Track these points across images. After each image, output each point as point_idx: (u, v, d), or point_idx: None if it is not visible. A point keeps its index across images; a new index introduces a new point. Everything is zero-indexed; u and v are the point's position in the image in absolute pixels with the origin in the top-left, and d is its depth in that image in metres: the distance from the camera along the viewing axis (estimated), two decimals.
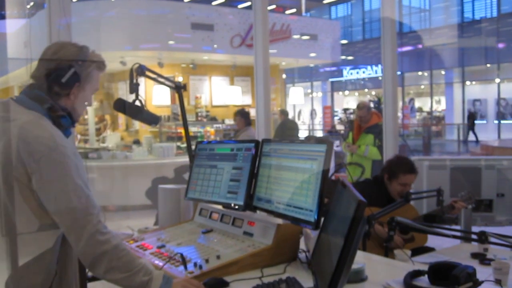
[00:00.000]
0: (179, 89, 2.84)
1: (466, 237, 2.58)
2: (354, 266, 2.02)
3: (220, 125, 12.78)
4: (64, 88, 1.91)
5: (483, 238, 2.45)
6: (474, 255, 3.21)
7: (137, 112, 2.56)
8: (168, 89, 12.47)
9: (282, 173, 2.23)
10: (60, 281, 1.92)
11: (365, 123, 6.08)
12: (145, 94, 12.90)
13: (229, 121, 13.07)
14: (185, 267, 2.08)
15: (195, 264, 2.10)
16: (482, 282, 1.81)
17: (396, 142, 4.33)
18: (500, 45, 23.40)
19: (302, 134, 24.86)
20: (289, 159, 2.21)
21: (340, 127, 24.89)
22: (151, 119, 2.62)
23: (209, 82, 13.72)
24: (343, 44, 25.45)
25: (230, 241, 2.35)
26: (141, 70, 2.60)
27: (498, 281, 2.64)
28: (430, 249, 3.50)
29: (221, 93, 13.57)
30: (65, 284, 1.95)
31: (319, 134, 25.14)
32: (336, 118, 29.26)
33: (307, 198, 2.02)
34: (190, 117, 13.12)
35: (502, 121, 24.21)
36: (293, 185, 2.14)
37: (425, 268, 1.95)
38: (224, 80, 13.85)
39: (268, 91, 3.65)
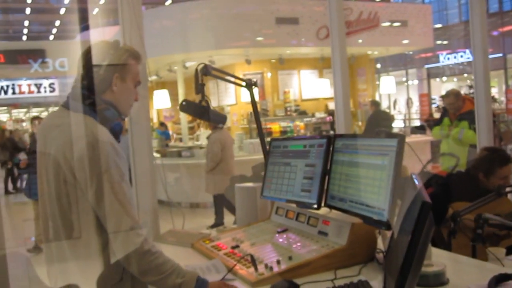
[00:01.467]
0: (249, 86, 2.80)
1: None
2: (434, 268, 1.88)
3: (310, 119, 12.67)
4: (103, 81, 1.92)
5: None
6: None
7: (204, 112, 2.55)
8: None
9: (354, 169, 2.13)
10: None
11: (457, 110, 5.76)
12: (235, 91, 13.11)
13: (320, 115, 12.94)
14: (256, 268, 2.04)
15: (265, 266, 2.05)
16: None
17: (490, 129, 4.03)
18: None
19: (398, 124, 24.16)
20: (361, 155, 2.10)
21: (438, 115, 23.86)
22: (218, 118, 2.61)
23: (298, 76, 13.66)
24: (437, 29, 24.36)
25: (305, 241, 2.28)
26: (207, 70, 2.58)
27: None
28: None
29: (310, 87, 13.45)
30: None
31: (416, 123, 24.25)
32: (433, 106, 28.10)
33: (379, 196, 1.90)
34: (280, 112, 13.13)
35: None
36: (365, 182, 2.03)
37: None
38: (313, 73, 13.74)
39: (346, 83, 3.52)
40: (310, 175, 2.42)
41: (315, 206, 2.34)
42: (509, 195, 3.37)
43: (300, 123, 12.28)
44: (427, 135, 11.53)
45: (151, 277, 1.80)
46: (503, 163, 3.25)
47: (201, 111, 2.56)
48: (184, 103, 2.64)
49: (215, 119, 2.63)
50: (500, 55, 25.67)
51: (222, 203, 7.29)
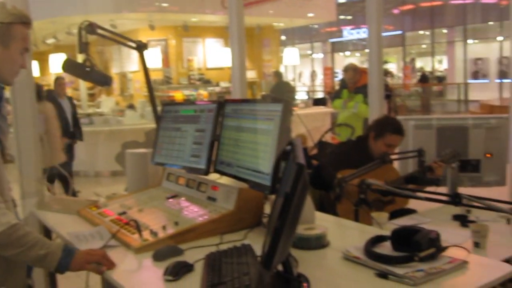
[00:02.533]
0: (140, 49, 2.70)
1: (439, 200, 2.47)
2: (315, 231, 1.93)
3: (214, 88, 12.62)
4: None
5: (457, 200, 2.34)
6: (456, 217, 3.12)
7: (87, 73, 2.42)
8: (159, 51, 12.32)
9: (242, 134, 2.12)
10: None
11: (354, 84, 5.99)
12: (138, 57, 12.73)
13: (224, 84, 12.92)
14: (140, 234, 1.99)
15: (151, 231, 2.01)
16: (447, 247, 1.71)
17: (382, 103, 4.18)
18: (503, 2, 22.89)
19: (302, 96, 24.67)
20: (248, 120, 2.09)
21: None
22: (102, 79, 2.49)
23: (203, 44, 13.50)
24: (342, 4, 24.96)
25: (193, 207, 2.26)
26: (92, 28, 2.45)
27: (476, 244, 2.56)
28: (411, 211, 3.41)
29: (215, 55, 13.36)
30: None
31: (320, 95, 24.92)
32: (336, 80, 28.96)
33: (264, 161, 1.91)
34: (183, 80, 12.97)
35: (504, 80, 23.89)
36: (251, 147, 2.03)
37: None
38: (218, 42, 13.63)
39: (243, 52, 3.50)
40: (199, 140, 2.39)
41: (204, 171, 2.32)
42: (395, 164, 3.55)
43: (204, 92, 12.22)
44: (328, 107, 11.87)
45: (11, 250, 1.71)
46: (395, 131, 3.38)
47: (85, 71, 2.43)
48: (66, 62, 2.49)
49: (99, 80, 2.51)
50: (400, 32, 26.83)
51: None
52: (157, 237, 1.97)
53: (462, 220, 3.05)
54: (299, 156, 1.33)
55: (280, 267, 1.46)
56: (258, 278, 1.29)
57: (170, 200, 2.41)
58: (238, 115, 2.19)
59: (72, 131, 7.05)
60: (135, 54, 12.88)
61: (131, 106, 11.36)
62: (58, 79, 7.27)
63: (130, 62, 13.33)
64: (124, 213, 2.32)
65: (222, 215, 2.10)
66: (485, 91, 23.04)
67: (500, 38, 23.97)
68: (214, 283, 1.51)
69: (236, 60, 3.46)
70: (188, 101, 9.54)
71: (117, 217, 2.28)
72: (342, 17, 26.02)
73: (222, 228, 2.08)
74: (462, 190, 2.99)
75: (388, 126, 3.38)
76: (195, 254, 1.83)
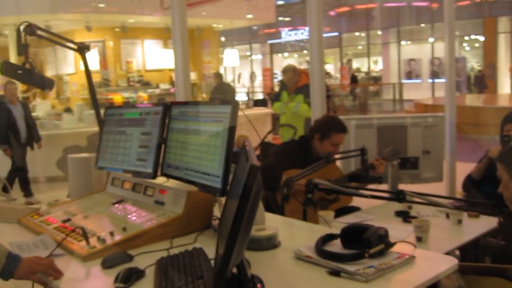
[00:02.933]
0: (82, 50, 2.62)
1: (384, 197, 2.54)
2: (266, 232, 1.94)
3: (154, 90, 12.46)
4: None
5: (401, 197, 2.41)
6: (398, 213, 3.22)
7: (27, 75, 2.33)
8: (96, 53, 12.03)
9: (190, 137, 2.10)
10: None
11: (294, 84, 6.04)
12: (74, 59, 12.39)
13: (164, 86, 12.77)
14: (87, 241, 1.93)
15: (98, 238, 1.96)
16: (395, 243, 1.75)
17: (324, 103, 4.25)
18: (434, 5, 23.78)
19: (242, 97, 24.73)
20: (196, 122, 2.08)
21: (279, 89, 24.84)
22: (44, 82, 2.40)
23: (142, 45, 13.30)
24: (280, 5, 25.21)
25: (141, 211, 2.22)
26: (31, 30, 2.35)
27: (418, 239, 2.64)
28: (356, 209, 3.48)
29: (154, 57, 13.19)
30: None
31: (259, 96, 25.07)
32: (275, 80, 29.22)
33: (213, 163, 1.90)
34: (122, 83, 12.73)
35: (435, 80, 24.83)
36: (200, 149, 2.02)
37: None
38: (157, 43, 13.46)
39: (186, 54, 3.47)
40: (146, 143, 2.35)
41: (151, 175, 2.28)
42: (337, 163, 3.61)
43: (143, 94, 12.03)
44: (268, 108, 11.96)
45: None
46: (340, 130, 3.44)
47: (25, 74, 2.33)
48: (3, 64, 2.39)
49: (40, 83, 2.42)
50: (336, 34, 27.38)
51: None
52: (105, 244, 1.92)
53: (404, 216, 3.14)
54: (252, 158, 1.33)
55: (234, 269, 1.46)
56: (215, 282, 1.28)
57: (116, 205, 2.35)
58: (185, 117, 2.16)
59: (24, 142, 6.81)
60: (71, 56, 12.64)
61: (68, 110, 11.03)
62: (8, 84, 6.94)
63: (66, 64, 12.95)
64: (68, 220, 2.25)
65: (171, 219, 2.07)
66: (418, 91, 23.87)
67: (431, 39, 24.88)
68: None
69: (180, 62, 3.42)
70: (132, 104, 9.38)
71: (61, 225, 2.21)
72: (280, 18, 26.28)
73: (171, 232, 2.06)
74: (402, 186, 3.09)
75: (333, 126, 3.44)
76: (146, 259, 1.80)
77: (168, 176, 2.24)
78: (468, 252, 3.10)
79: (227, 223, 1.46)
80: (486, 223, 2.90)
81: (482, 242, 2.82)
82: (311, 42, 4.23)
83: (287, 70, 6.17)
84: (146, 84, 12.88)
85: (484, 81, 22.57)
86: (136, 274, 1.65)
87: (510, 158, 2.05)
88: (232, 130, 1.82)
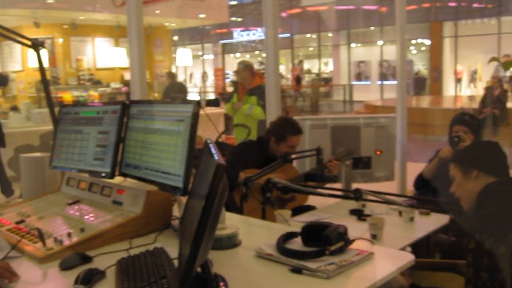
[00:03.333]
0: (36, 47, 2.56)
1: (341, 196, 2.59)
2: (227, 231, 1.94)
3: (105, 89, 12.24)
4: None
5: (357, 195, 2.47)
6: (353, 212, 3.28)
7: None
8: (45, 50, 11.71)
9: (150, 136, 2.08)
10: None
11: (248, 83, 5.99)
12: (21, 56, 12.02)
13: (115, 85, 12.56)
14: (44, 243, 1.89)
15: (55, 239, 1.91)
16: (353, 240, 1.79)
17: (279, 104, 4.29)
18: (383, 9, 24.33)
19: (193, 97, 24.61)
20: (157, 121, 2.06)
21: (231, 89, 24.89)
22: None
23: (92, 43, 13.03)
24: (232, 6, 25.22)
25: (98, 212, 2.18)
26: None
27: (373, 236, 2.71)
28: (311, 208, 3.53)
29: (105, 55, 12.95)
30: None
31: (211, 96, 25.02)
32: (227, 81, 29.22)
33: (174, 162, 1.89)
34: (72, 81, 12.45)
35: (384, 82, 25.42)
36: (160, 148, 2.00)
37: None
38: (108, 42, 13.22)
39: (142, 53, 3.43)
40: (103, 142, 2.31)
41: (109, 174, 2.24)
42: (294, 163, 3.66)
43: (94, 93, 11.80)
44: (220, 108, 11.93)
45: None
46: (295, 133, 3.48)
47: None
48: None
49: None
50: (288, 35, 27.64)
51: None
52: (62, 245, 1.88)
53: (359, 214, 3.21)
54: (218, 157, 1.33)
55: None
56: (181, 281, 1.28)
57: (72, 206, 2.31)
58: (145, 116, 2.14)
59: None
60: (18, 53, 12.25)
61: (15, 108, 10.68)
62: None
63: (12, 61, 12.54)
64: (22, 221, 2.18)
65: (130, 219, 2.05)
66: (367, 92, 24.41)
67: (380, 42, 25.46)
68: None
69: (135, 60, 3.38)
70: (89, 103, 9.15)
71: (15, 226, 2.14)
72: (233, 19, 26.30)
73: (130, 233, 2.03)
74: (355, 185, 3.16)
75: (288, 129, 3.48)
76: (105, 260, 1.77)
77: (127, 175, 2.21)
78: (420, 249, 3.20)
79: (190, 222, 1.46)
80: (436, 220, 3.00)
81: (433, 239, 2.91)
82: (267, 43, 4.26)
83: (245, 67, 6.05)
84: (96, 83, 12.63)
85: (423, 84, 23.34)
86: (96, 275, 1.62)
87: (463, 158, 2.13)
88: (193, 129, 1.82)
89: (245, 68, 6.03)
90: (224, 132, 7.28)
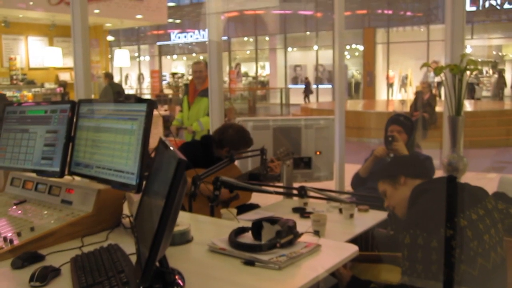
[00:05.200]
0: None
1: (287, 193, 2.69)
2: (179, 228, 1.99)
3: (39, 89, 11.89)
4: None
5: (302, 192, 2.57)
6: (295, 210, 3.39)
7: None
8: None
9: (102, 135, 2.10)
10: None
11: (200, 86, 5.89)
12: None
13: (50, 85, 12.23)
14: None
15: (4, 239, 1.90)
16: (302, 234, 1.89)
17: (222, 107, 4.36)
18: (319, 14, 24.88)
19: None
20: (109, 120, 2.08)
21: (168, 91, 24.75)
22: None
23: (25, 42, 12.63)
24: (170, 7, 25.04)
25: (47, 211, 2.17)
26: None
27: (316, 232, 2.82)
28: (255, 206, 3.62)
29: (39, 55, 12.57)
30: None
31: (148, 98, 24.75)
32: (164, 83, 28.99)
33: (127, 161, 1.92)
34: (5, 81, 12.02)
35: (320, 86, 26.00)
36: (113, 147, 2.02)
37: (249, 224, 1.99)
38: (43, 41, 12.85)
39: (87, 51, 3.41)
40: (52, 142, 2.30)
41: (58, 174, 2.24)
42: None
43: (28, 93, 11.43)
44: (159, 110, 11.89)
45: None
46: (249, 145, 3.57)
47: None
48: None
49: None
50: (225, 38, 27.72)
51: None
52: (13, 244, 1.87)
53: (301, 212, 3.32)
54: (178, 153, 1.38)
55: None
56: (142, 275, 1.33)
57: (18, 206, 2.28)
58: (96, 115, 2.16)
59: None
60: None
61: None
62: None
63: None
64: None
65: (81, 217, 2.06)
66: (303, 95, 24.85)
67: (316, 47, 26.02)
68: (89, 284, 1.50)
69: (80, 60, 3.35)
70: (37, 102, 8.85)
71: None
72: (170, 20, 26.12)
73: (81, 231, 2.04)
74: (296, 185, 3.28)
75: (245, 144, 3.55)
76: (58, 258, 1.78)
77: (77, 174, 2.21)
78: (359, 244, 3.35)
79: (148, 220, 1.51)
80: (374, 216, 3.15)
81: (373, 233, 3.06)
82: (210, 45, 4.32)
83: (205, 66, 5.75)
84: (30, 83, 12.25)
85: (357, 88, 24.13)
86: (52, 272, 1.64)
87: (388, 171, 2.31)
88: (148, 127, 1.86)
89: (205, 67, 5.76)
90: (167, 135, 7.24)
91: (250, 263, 1.70)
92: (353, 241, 3.07)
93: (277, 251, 1.76)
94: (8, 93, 11.19)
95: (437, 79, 12.76)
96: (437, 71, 3.37)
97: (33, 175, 2.39)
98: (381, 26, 24.17)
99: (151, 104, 1.87)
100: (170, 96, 21.38)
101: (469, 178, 4.05)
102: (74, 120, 2.26)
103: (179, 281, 1.54)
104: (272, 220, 1.89)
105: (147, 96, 26.11)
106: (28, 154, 2.38)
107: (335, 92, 4.87)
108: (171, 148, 1.47)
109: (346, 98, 23.36)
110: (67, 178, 2.29)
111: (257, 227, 1.92)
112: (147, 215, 1.56)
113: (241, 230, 1.95)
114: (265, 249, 1.75)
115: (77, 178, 2.27)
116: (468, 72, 3.24)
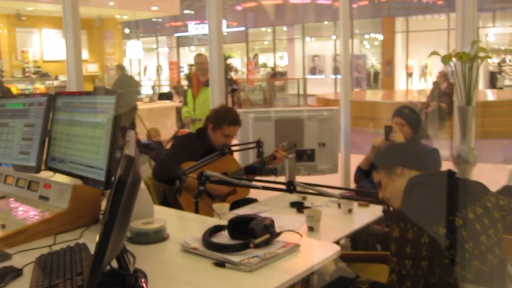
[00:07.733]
0: None
1: (274, 188, 2.58)
2: (154, 225, 1.91)
3: (52, 82, 11.92)
4: None
5: (291, 187, 2.47)
6: (293, 204, 3.29)
7: None
8: None
9: (74, 129, 2.02)
10: None
11: (204, 75, 5.91)
12: None
13: (64, 77, 12.24)
14: None
15: None
16: (281, 233, 1.78)
17: (223, 96, 4.26)
18: (337, 4, 24.54)
19: (147, 90, 24.33)
20: (80, 113, 2.00)
21: (185, 83, 24.73)
22: None
23: (39, 35, 12.66)
24: None
25: (24, 207, 2.11)
26: None
27: (310, 228, 2.72)
28: (253, 201, 3.52)
29: (53, 47, 12.60)
30: None
31: (166, 89, 24.76)
32: (182, 74, 28.96)
33: (97, 156, 1.84)
34: (18, 73, 12.08)
35: (338, 76, 25.71)
36: (84, 141, 1.94)
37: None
38: (57, 33, 12.87)
39: (78, 43, 3.34)
40: (29, 136, 2.23)
41: (35, 169, 2.17)
42: (236, 156, 3.64)
43: (40, 86, 11.47)
44: (173, 102, 11.85)
45: None
46: (232, 123, 3.46)
47: None
48: None
49: None
50: (243, 29, 27.59)
51: None
52: None
53: (299, 207, 3.22)
54: (130, 149, 1.29)
55: (115, 264, 1.42)
56: (90, 276, 1.24)
57: None
58: (70, 108, 2.08)
59: None
60: None
61: None
62: None
63: None
64: None
65: (55, 214, 1.99)
66: (321, 86, 24.62)
67: (334, 37, 25.72)
68: (44, 287, 1.42)
69: (71, 51, 3.28)
70: (15, 95, 8.88)
71: None
72: (187, 11, 26.08)
73: (55, 228, 1.97)
74: (299, 178, 3.16)
75: (226, 118, 3.45)
76: (25, 257, 1.71)
77: (53, 170, 2.14)
78: (358, 241, 3.24)
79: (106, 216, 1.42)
80: (374, 212, 3.03)
81: (368, 230, 2.95)
82: (210, 36, 4.21)
83: (207, 59, 5.94)
84: (44, 76, 12.29)
85: (377, 78, 23.82)
86: (12, 273, 1.56)
87: (383, 161, 2.17)
88: (117, 120, 1.77)
89: (207, 59, 5.91)
90: (182, 127, 7.21)
91: (220, 264, 1.61)
92: (352, 238, 2.97)
93: (250, 251, 1.66)
94: (20, 86, 11.24)
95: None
96: (445, 59, 3.23)
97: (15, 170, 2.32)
98: (400, 14, 23.77)
99: (119, 96, 1.78)
100: (185, 87, 21.34)
101: (485, 169, 3.90)
102: (51, 113, 2.18)
103: (143, 284, 1.46)
104: (249, 218, 1.79)
105: (166, 88, 26.14)
106: (7, 149, 2.32)
107: (341, 82, 4.74)
108: (129, 143, 1.38)
109: (365, 88, 23.09)
110: (49, 173, 2.22)
111: (233, 225, 1.82)
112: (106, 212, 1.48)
113: (217, 229, 1.85)
114: (238, 250, 1.66)
115: (57, 173, 2.20)
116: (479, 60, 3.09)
